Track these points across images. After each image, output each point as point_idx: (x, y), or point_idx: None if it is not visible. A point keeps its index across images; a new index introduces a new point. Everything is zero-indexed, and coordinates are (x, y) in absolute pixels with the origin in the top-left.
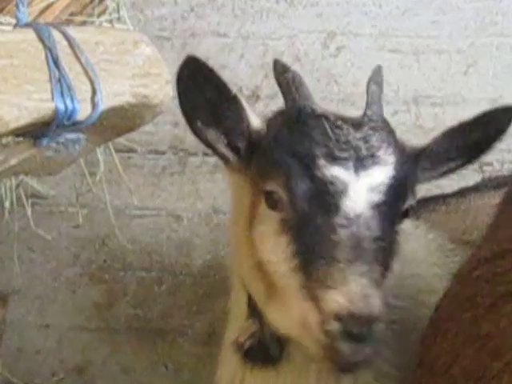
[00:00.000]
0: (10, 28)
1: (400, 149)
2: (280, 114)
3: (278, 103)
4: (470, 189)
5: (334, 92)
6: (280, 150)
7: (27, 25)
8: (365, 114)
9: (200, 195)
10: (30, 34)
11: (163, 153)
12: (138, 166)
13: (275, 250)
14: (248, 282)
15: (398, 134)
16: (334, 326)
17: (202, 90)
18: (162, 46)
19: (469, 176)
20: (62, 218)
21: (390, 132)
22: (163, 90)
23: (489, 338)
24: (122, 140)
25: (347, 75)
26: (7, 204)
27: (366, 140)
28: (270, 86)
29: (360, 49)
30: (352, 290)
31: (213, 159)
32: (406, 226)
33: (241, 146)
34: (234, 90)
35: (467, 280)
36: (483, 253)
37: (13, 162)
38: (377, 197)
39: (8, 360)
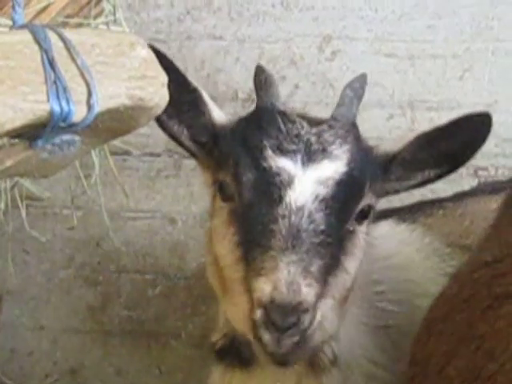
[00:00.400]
0: (6, 29)
1: (360, 149)
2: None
3: None
4: (466, 193)
5: (330, 96)
6: (233, 142)
7: (23, 26)
8: (332, 115)
9: (194, 198)
10: (26, 36)
11: (158, 155)
12: (133, 169)
13: (224, 241)
14: (210, 279)
15: (393, 137)
16: (258, 313)
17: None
18: (159, 47)
19: (464, 181)
20: (56, 219)
21: (351, 132)
22: (159, 92)
23: (484, 339)
24: (117, 142)
25: (343, 79)
26: (2, 205)
27: (319, 135)
28: None
29: (356, 53)
30: (279, 278)
31: None
32: (403, 230)
33: (204, 139)
34: (229, 90)
35: (465, 282)
36: (483, 256)
37: (8, 163)
38: (324, 191)
39: (1, 361)
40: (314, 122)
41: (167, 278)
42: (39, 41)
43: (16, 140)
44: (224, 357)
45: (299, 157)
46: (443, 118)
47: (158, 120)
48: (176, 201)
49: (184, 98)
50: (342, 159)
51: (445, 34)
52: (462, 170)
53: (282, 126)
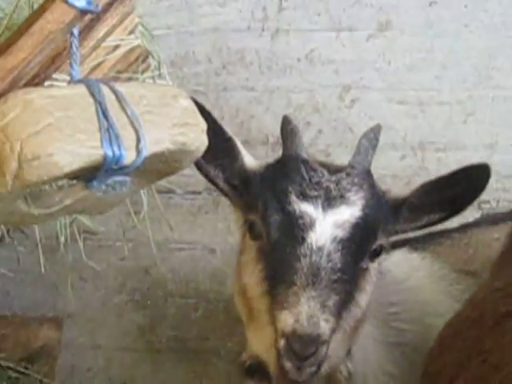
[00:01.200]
0: (64, 84)
1: (374, 195)
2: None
3: None
4: (470, 224)
5: (349, 139)
6: (262, 186)
7: (79, 81)
8: (349, 163)
9: (231, 231)
10: (82, 89)
11: (199, 193)
12: (177, 206)
13: (252, 276)
14: (237, 307)
15: (406, 175)
16: (281, 343)
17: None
18: (198, 99)
19: (468, 213)
20: (110, 251)
21: (367, 179)
22: (199, 138)
23: (491, 353)
24: (162, 182)
25: (360, 124)
26: (62, 239)
27: (337, 182)
28: None
29: (372, 101)
30: (300, 311)
31: None
32: (414, 257)
33: (236, 182)
34: (261, 135)
35: (477, 304)
36: (495, 283)
37: (67, 202)
38: (341, 233)
39: (63, 376)
40: (334, 170)
41: (208, 301)
42: (94, 93)
43: (74, 181)
44: (253, 374)
45: (320, 202)
46: (450, 158)
47: (197, 164)
48: (215, 233)
49: (220, 145)
50: (358, 205)
51: (450, 83)
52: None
53: (304, 173)
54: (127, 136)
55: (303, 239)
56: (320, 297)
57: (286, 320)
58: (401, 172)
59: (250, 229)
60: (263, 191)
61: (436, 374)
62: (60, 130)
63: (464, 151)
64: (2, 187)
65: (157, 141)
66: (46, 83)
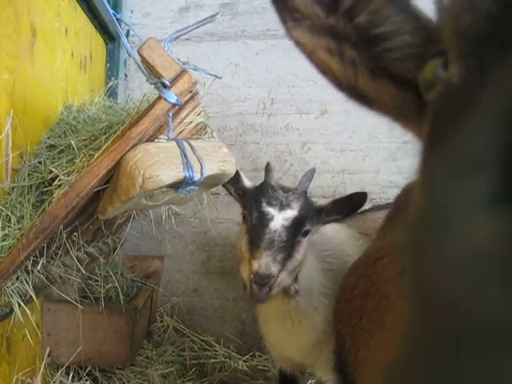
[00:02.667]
0: (164, 141)
1: (306, 204)
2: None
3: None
4: (366, 210)
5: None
6: (251, 197)
7: (172, 139)
8: (295, 187)
9: None
10: (173, 143)
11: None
12: (220, 201)
13: (242, 240)
14: (237, 253)
15: None
16: (251, 276)
17: None
18: (230, 148)
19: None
20: (187, 223)
21: (303, 196)
22: (232, 168)
23: (371, 276)
24: (213, 189)
25: (312, 163)
26: (164, 217)
27: (287, 197)
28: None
29: (317, 149)
30: (261, 261)
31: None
32: (338, 226)
33: (240, 193)
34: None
35: (366, 252)
36: (377, 240)
37: (166, 198)
38: (286, 223)
39: (163, 286)
40: (286, 190)
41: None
42: (179, 145)
43: (169, 189)
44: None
45: (277, 207)
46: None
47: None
48: (239, 214)
49: (233, 176)
50: (295, 209)
51: None
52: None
53: (270, 192)
54: (196, 167)
55: (267, 225)
56: (272, 255)
57: (254, 265)
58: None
59: (243, 217)
60: (250, 199)
61: (342, 292)
62: (162, 163)
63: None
64: (134, 192)
65: (210, 169)
66: (156, 140)
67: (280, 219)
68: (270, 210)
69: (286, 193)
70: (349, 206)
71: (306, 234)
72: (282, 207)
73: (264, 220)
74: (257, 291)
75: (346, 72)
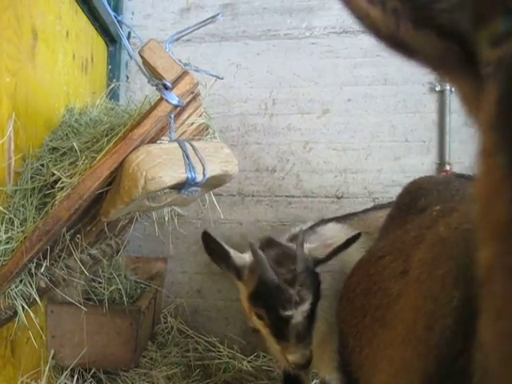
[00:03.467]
0: (166, 142)
1: (312, 281)
2: (252, 268)
3: None
4: (368, 209)
5: (308, 169)
6: (256, 294)
7: (174, 140)
8: (295, 269)
9: (250, 213)
10: (176, 144)
11: (233, 196)
12: (222, 202)
13: (262, 329)
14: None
15: None
16: (293, 367)
17: (211, 247)
18: (232, 149)
19: (369, 204)
20: (190, 224)
21: (306, 275)
22: (234, 168)
23: (372, 275)
24: (216, 190)
25: (313, 162)
26: (166, 218)
27: (298, 293)
28: None
29: (319, 148)
30: (297, 356)
31: None
32: (339, 226)
33: (231, 270)
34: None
35: (368, 251)
36: (379, 240)
37: (168, 200)
38: (305, 314)
39: (167, 287)
40: (288, 282)
41: (235, 247)
42: (181, 146)
43: (171, 190)
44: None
45: (292, 307)
46: None
47: (212, 260)
48: (241, 215)
49: (221, 253)
50: (308, 300)
51: None
52: (368, 199)
53: (279, 294)
54: (198, 168)
55: (288, 323)
56: (303, 345)
57: (291, 358)
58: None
59: (257, 315)
60: (259, 301)
61: (347, 289)
62: (165, 165)
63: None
64: (136, 194)
65: (213, 170)
66: (158, 141)
67: (299, 315)
68: (288, 313)
69: (293, 285)
70: (342, 249)
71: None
72: (297, 305)
73: (284, 321)
74: (300, 373)
75: (386, 21)
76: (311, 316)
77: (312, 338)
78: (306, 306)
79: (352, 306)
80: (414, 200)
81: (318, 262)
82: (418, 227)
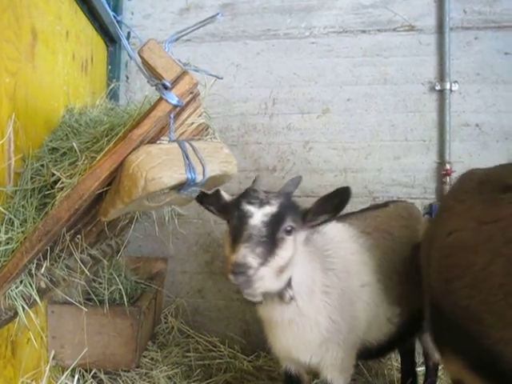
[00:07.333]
0: (166, 142)
1: (288, 203)
2: None
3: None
4: (366, 208)
5: (308, 169)
6: (232, 202)
7: (174, 141)
8: (279, 190)
9: None
10: (175, 145)
11: (233, 195)
12: None
13: (227, 238)
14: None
15: None
16: (231, 267)
17: (202, 196)
18: (232, 149)
19: (368, 203)
20: (190, 224)
21: (284, 196)
22: (233, 169)
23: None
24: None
25: (314, 162)
26: (167, 218)
27: (266, 196)
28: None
29: (319, 148)
30: (239, 253)
31: None
32: (340, 225)
33: (221, 209)
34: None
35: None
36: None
37: (168, 200)
38: (266, 218)
39: (167, 287)
40: (266, 192)
41: None
42: (181, 146)
43: (171, 190)
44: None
45: (257, 205)
46: None
47: (203, 206)
48: None
49: (212, 196)
50: (275, 205)
51: None
52: (368, 198)
53: (252, 193)
54: (198, 168)
55: (246, 222)
56: (250, 247)
57: (232, 258)
58: None
59: (228, 222)
60: (233, 203)
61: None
62: (165, 165)
63: None
64: (136, 194)
65: (212, 170)
66: (158, 142)
67: (259, 215)
68: (250, 208)
69: (267, 193)
70: (334, 204)
71: (289, 232)
72: (262, 205)
73: (244, 218)
74: (233, 280)
75: None
76: (272, 227)
77: (268, 261)
78: (268, 209)
79: (486, 285)
80: (482, 184)
81: (306, 210)
82: None
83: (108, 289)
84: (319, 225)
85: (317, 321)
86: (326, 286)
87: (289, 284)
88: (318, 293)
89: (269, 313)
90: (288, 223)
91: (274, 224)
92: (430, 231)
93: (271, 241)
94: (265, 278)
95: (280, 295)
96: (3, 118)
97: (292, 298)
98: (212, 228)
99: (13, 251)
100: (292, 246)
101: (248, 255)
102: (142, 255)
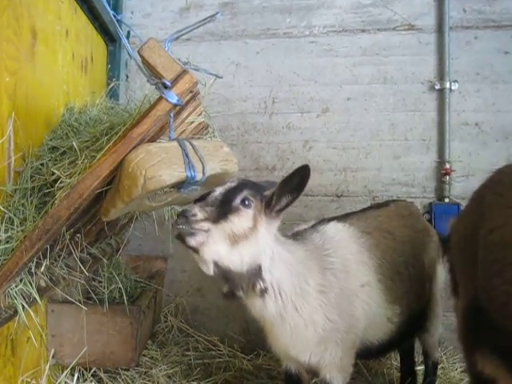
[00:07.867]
0: (165, 141)
1: (251, 183)
2: None
3: None
4: (366, 208)
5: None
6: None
7: (173, 139)
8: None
9: None
10: (175, 143)
11: None
12: None
13: None
14: None
15: None
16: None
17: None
18: (232, 148)
19: (368, 203)
20: None
21: (250, 183)
22: (234, 167)
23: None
24: None
25: (313, 161)
26: (166, 217)
27: (233, 180)
28: None
29: (319, 147)
30: (188, 210)
31: None
32: (340, 225)
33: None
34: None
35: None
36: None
37: (168, 199)
38: (223, 190)
39: (167, 286)
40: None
41: None
42: (181, 145)
43: (172, 189)
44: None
45: (222, 186)
46: None
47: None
48: None
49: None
50: (235, 182)
51: None
52: (367, 198)
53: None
54: (198, 166)
55: (208, 193)
56: (200, 204)
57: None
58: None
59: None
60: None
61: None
62: (164, 163)
63: None
64: (136, 193)
65: (212, 168)
66: (158, 140)
67: (219, 189)
68: (216, 188)
69: (238, 181)
70: (295, 183)
71: (246, 204)
72: (225, 184)
73: (207, 193)
74: (174, 224)
75: None
76: (227, 195)
77: (219, 222)
78: (229, 185)
79: None
80: None
81: (271, 193)
82: None
83: (108, 288)
84: (284, 208)
85: (312, 320)
86: (323, 286)
87: (259, 274)
88: (312, 292)
89: (252, 308)
90: (244, 194)
91: (231, 195)
92: (468, 228)
93: (225, 207)
94: (217, 242)
95: (252, 285)
96: (3, 117)
97: (264, 291)
98: None
99: (12, 250)
100: (250, 220)
101: (195, 207)
102: (142, 254)
